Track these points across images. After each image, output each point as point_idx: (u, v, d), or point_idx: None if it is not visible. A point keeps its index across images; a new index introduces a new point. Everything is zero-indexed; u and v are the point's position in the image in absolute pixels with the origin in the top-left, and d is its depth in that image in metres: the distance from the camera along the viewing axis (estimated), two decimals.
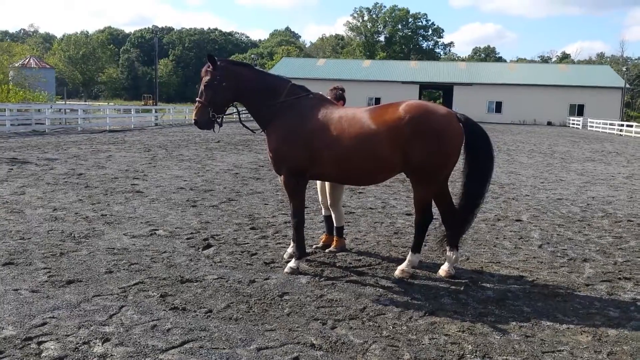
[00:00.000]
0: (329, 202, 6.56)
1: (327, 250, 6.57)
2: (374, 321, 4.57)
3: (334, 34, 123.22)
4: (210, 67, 5.71)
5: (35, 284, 5.12)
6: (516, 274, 5.98)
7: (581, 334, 4.48)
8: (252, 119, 6.08)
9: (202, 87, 5.75)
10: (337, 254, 6.46)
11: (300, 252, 5.85)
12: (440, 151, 5.37)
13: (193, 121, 5.90)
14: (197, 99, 5.80)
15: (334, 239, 6.65)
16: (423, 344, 4.18)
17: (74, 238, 6.75)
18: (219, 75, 5.69)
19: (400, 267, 5.78)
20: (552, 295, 5.34)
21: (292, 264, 5.77)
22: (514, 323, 4.64)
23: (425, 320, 4.64)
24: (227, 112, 6.08)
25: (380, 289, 5.34)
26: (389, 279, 5.65)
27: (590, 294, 5.44)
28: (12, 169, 12.53)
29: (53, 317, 4.38)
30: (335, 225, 6.62)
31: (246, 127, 6.39)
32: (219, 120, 5.83)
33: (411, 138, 5.29)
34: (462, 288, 5.46)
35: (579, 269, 6.27)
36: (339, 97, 6.57)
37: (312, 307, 4.81)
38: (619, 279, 5.96)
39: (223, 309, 4.70)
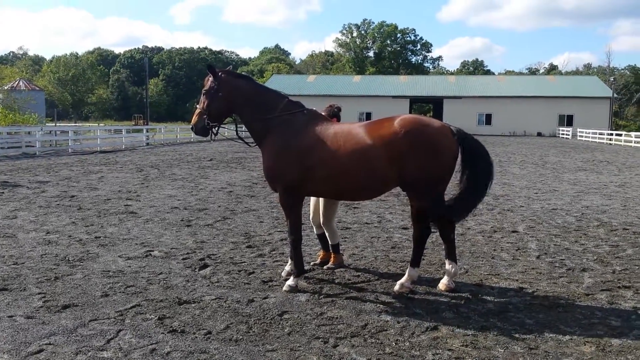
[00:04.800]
0: (321, 220, 6.50)
1: (325, 267, 6.52)
2: (376, 338, 4.52)
3: (323, 51, 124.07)
4: (211, 76, 5.83)
5: (30, 309, 5.03)
6: (516, 286, 5.95)
7: (584, 345, 4.44)
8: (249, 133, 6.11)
9: (202, 94, 5.92)
10: (335, 271, 6.41)
11: (299, 270, 5.79)
12: (436, 164, 5.36)
13: (190, 126, 6.12)
14: (196, 105, 5.98)
15: (332, 255, 6.60)
16: None
17: (68, 261, 6.66)
18: (216, 84, 5.79)
19: (399, 282, 5.74)
20: (553, 306, 5.31)
21: (290, 282, 5.72)
22: (517, 335, 4.60)
23: (428, 335, 4.60)
24: (225, 122, 6.24)
25: (381, 305, 5.29)
26: (388, 294, 5.60)
27: (591, 304, 5.42)
28: (3, 192, 12.41)
29: (50, 344, 4.30)
30: (330, 242, 6.58)
31: (242, 139, 6.36)
32: (214, 129, 5.93)
33: (407, 152, 5.29)
34: (462, 302, 5.42)
35: (578, 278, 6.25)
36: (334, 115, 6.56)
37: (313, 326, 4.75)
38: (619, 287, 5.94)
39: (222, 330, 4.64)
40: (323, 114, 6.39)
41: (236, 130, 6.40)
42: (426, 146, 5.31)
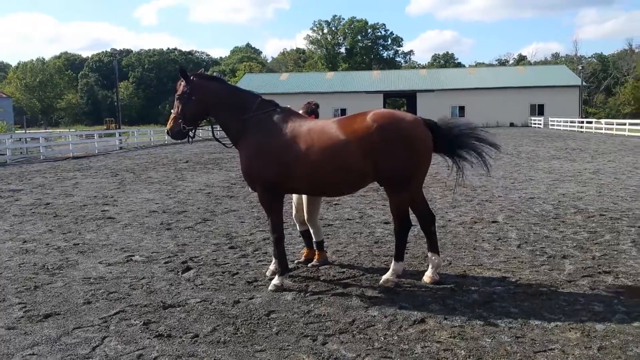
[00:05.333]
0: (305, 217, 6.51)
1: (309, 265, 6.50)
2: (365, 333, 4.52)
3: (295, 48, 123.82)
4: (183, 80, 5.82)
5: (11, 320, 4.92)
6: (499, 275, 6.01)
7: (570, 331, 4.50)
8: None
9: (175, 98, 5.89)
10: (320, 268, 6.40)
11: (283, 268, 5.77)
12: (410, 158, 5.37)
13: (166, 131, 6.10)
14: (172, 110, 5.94)
15: (316, 252, 6.59)
16: (416, 353, 4.14)
17: (47, 270, 6.53)
18: (189, 88, 5.80)
19: (384, 277, 5.75)
20: (537, 294, 5.38)
21: (276, 281, 5.69)
22: (503, 325, 4.64)
23: (416, 328, 4.61)
24: (201, 125, 6.24)
25: (368, 300, 5.29)
26: (374, 289, 5.61)
27: (574, 290, 5.50)
28: None
29: (33, 354, 4.20)
30: (314, 239, 6.57)
31: (219, 141, 6.35)
32: (190, 132, 5.95)
33: (380, 147, 5.31)
34: (448, 293, 5.46)
35: (559, 266, 6.34)
36: (311, 112, 6.58)
37: (301, 324, 4.73)
38: (599, 273, 6.04)
39: (210, 332, 4.59)
40: (301, 111, 6.46)
41: (212, 132, 6.38)
42: (399, 140, 5.33)
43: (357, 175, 5.50)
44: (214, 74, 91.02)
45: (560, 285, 5.66)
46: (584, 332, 4.48)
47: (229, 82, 6.35)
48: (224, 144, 6.26)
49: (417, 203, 5.83)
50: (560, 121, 50.95)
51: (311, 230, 6.54)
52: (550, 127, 53.51)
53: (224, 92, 5.93)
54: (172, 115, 5.94)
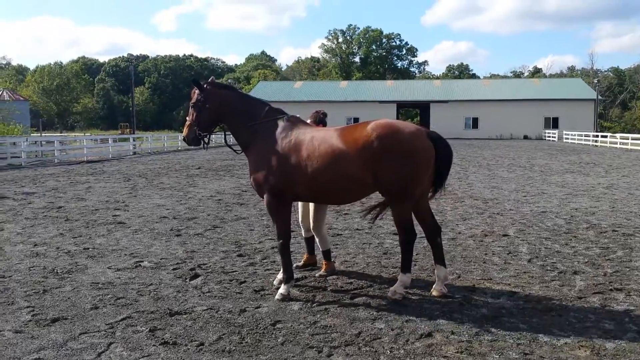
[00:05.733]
0: (311, 225, 6.56)
1: (317, 275, 6.49)
2: (371, 346, 4.48)
3: (309, 56, 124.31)
4: (197, 89, 6.03)
5: (19, 324, 4.94)
6: (508, 290, 5.94)
7: (579, 349, 4.44)
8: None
9: (190, 106, 6.09)
10: (327, 278, 6.37)
11: (289, 276, 5.77)
12: (409, 169, 5.35)
13: (182, 138, 6.32)
14: (187, 117, 6.14)
15: (323, 262, 6.58)
16: None
17: (56, 274, 6.57)
18: (202, 96, 6.00)
19: (392, 289, 5.71)
20: (547, 310, 5.31)
21: (282, 290, 5.69)
22: (511, 341, 4.58)
23: (422, 342, 4.57)
24: (215, 131, 6.50)
25: (375, 312, 5.25)
26: (382, 301, 5.57)
27: (584, 307, 5.42)
28: None
29: (39, 358, 4.22)
30: (321, 249, 6.57)
31: (230, 147, 6.49)
32: (205, 139, 6.17)
33: (379, 157, 5.32)
34: (456, 307, 5.40)
35: (570, 281, 6.27)
36: (320, 121, 6.66)
37: (307, 335, 4.71)
38: (611, 290, 5.96)
39: (215, 341, 4.58)
40: (309, 120, 6.57)
41: (224, 138, 6.46)
42: (398, 151, 5.32)
43: (356, 185, 5.54)
44: (228, 81, 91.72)
45: (571, 301, 5.59)
46: (593, 350, 4.41)
47: (241, 90, 6.40)
48: (235, 150, 6.35)
49: (422, 214, 5.81)
50: (574, 135, 50.57)
51: (317, 239, 6.54)
52: (564, 140, 53.12)
53: (234, 99, 6.08)
54: (187, 123, 6.13)
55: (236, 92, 6.26)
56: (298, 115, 6.15)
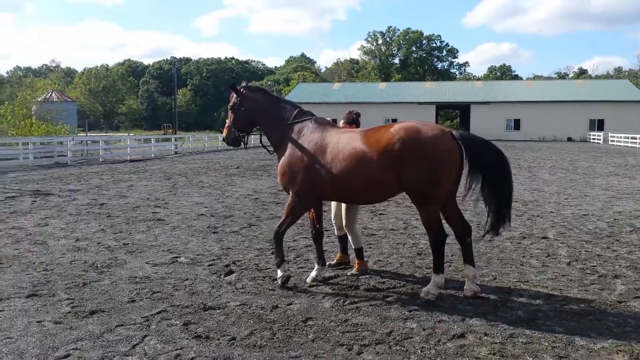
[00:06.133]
0: (343, 223, 6.64)
1: (349, 274, 6.49)
2: (401, 345, 4.45)
3: (348, 58, 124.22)
4: (234, 93, 6.44)
5: (59, 315, 5.11)
6: (546, 293, 5.81)
7: (617, 353, 4.31)
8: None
9: (228, 109, 6.51)
10: (360, 277, 6.37)
11: (280, 260, 6.05)
12: (432, 170, 5.31)
13: (222, 139, 6.77)
14: (227, 120, 6.56)
15: (355, 261, 6.58)
16: None
17: (96, 268, 6.76)
18: (239, 100, 6.37)
19: (425, 289, 5.66)
20: (585, 314, 5.18)
21: (279, 272, 6.03)
22: (546, 344, 4.48)
23: (454, 343, 4.51)
24: (254, 132, 6.79)
25: (406, 312, 5.22)
26: (414, 301, 5.53)
27: (624, 312, 5.26)
28: (35, 200, 12.68)
29: (76, 349, 4.35)
30: (353, 247, 6.58)
31: (265, 147, 6.76)
32: (243, 139, 6.57)
33: (401, 159, 5.33)
34: (490, 309, 5.32)
35: (610, 285, 6.09)
36: (352, 121, 6.70)
37: (337, 332, 4.71)
38: None
39: (247, 336, 4.63)
40: (342, 121, 6.80)
41: (260, 138, 6.84)
42: (420, 153, 5.30)
43: (380, 186, 5.58)
44: (268, 83, 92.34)
45: (610, 305, 5.43)
46: (632, 355, 4.28)
47: (274, 93, 6.76)
48: (268, 150, 6.57)
49: (449, 214, 5.76)
50: (620, 137, 48.99)
51: (349, 237, 6.56)
52: (610, 143, 51.55)
53: (267, 102, 6.41)
54: (226, 125, 6.54)
55: (268, 95, 6.56)
56: (328, 118, 6.35)
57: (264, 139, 6.67)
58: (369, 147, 5.51)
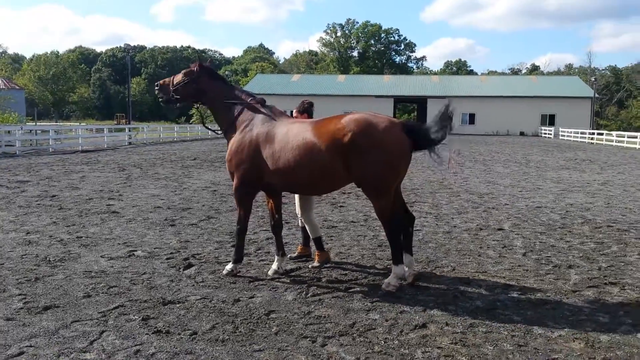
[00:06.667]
0: (298, 213, 6.63)
1: (310, 266, 6.46)
2: (365, 336, 4.46)
3: (307, 50, 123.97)
4: (197, 67, 6.36)
5: (10, 311, 4.89)
6: (503, 283, 5.93)
7: (574, 341, 4.43)
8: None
9: (181, 73, 6.47)
10: (322, 269, 6.35)
11: (238, 257, 6.13)
12: (382, 162, 5.34)
13: (155, 86, 6.64)
14: (172, 77, 6.54)
15: (316, 253, 6.56)
16: (417, 358, 4.08)
17: (49, 262, 6.52)
18: (197, 75, 6.34)
19: (386, 281, 5.69)
20: (541, 303, 5.30)
21: (228, 267, 6.12)
22: (506, 333, 4.57)
23: (417, 333, 4.55)
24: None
25: (369, 303, 5.23)
26: (376, 292, 5.55)
27: (578, 301, 5.41)
28: None
29: (30, 346, 4.17)
30: (311, 237, 6.55)
31: (209, 128, 7.15)
32: (175, 102, 6.55)
33: (351, 151, 5.34)
34: (450, 299, 5.39)
35: (564, 275, 6.26)
36: (304, 111, 6.73)
37: (301, 325, 4.68)
38: (605, 284, 5.95)
39: (208, 330, 4.55)
40: (295, 110, 6.87)
41: (202, 122, 7.13)
42: (370, 145, 5.31)
43: (330, 177, 5.59)
44: (226, 73, 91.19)
45: (565, 295, 5.58)
46: (588, 342, 4.40)
47: (230, 84, 6.69)
48: (215, 132, 6.80)
49: (395, 202, 5.78)
50: (571, 132, 50.62)
51: (307, 227, 6.54)
52: (560, 137, 53.19)
53: (223, 89, 6.35)
54: (168, 80, 6.52)
55: (226, 83, 6.53)
56: (274, 106, 6.31)
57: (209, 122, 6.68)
58: (318, 138, 5.48)
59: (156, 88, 6.62)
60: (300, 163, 5.53)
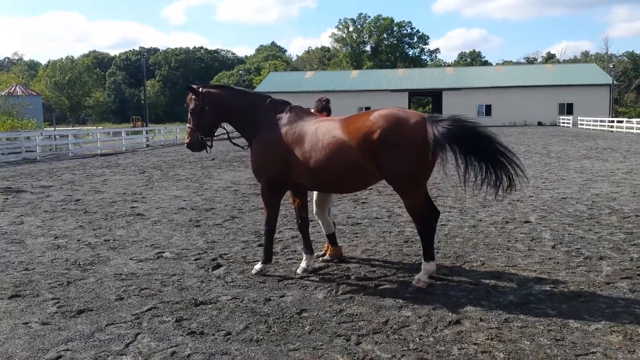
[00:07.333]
0: (314, 210, 6.60)
1: (321, 259, 6.54)
2: (399, 334, 4.44)
3: (320, 46, 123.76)
4: (193, 95, 6.11)
5: (45, 315, 4.95)
6: (535, 277, 5.86)
7: (611, 334, 4.36)
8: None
9: (188, 114, 6.17)
10: (350, 266, 6.34)
11: (267, 258, 6.12)
12: (412, 159, 5.29)
13: (186, 145, 6.33)
14: (188, 125, 6.22)
15: (329, 247, 6.63)
16: (453, 355, 4.05)
17: (79, 266, 6.58)
18: (200, 101, 6.09)
19: (417, 277, 5.66)
20: (575, 296, 5.23)
21: (257, 266, 6.12)
22: (542, 327, 4.52)
23: (451, 329, 4.51)
24: (217, 132, 6.45)
25: (400, 300, 5.20)
26: (406, 289, 5.52)
27: (613, 293, 5.33)
28: (7, 198, 12.31)
29: (68, 350, 4.22)
30: (325, 233, 6.61)
31: (235, 144, 6.72)
32: (208, 142, 6.27)
33: (380, 147, 5.30)
34: (483, 294, 5.34)
35: (596, 267, 6.17)
36: (323, 109, 6.72)
37: (333, 323, 4.67)
38: (638, 275, 5.86)
39: (242, 330, 4.55)
40: (313, 109, 6.71)
41: (228, 136, 6.59)
42: (399, 141, 5.27)
43: (359, 174, 5.55)
44: (239, 72, 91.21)
45: (599, 287, 5.50)
46: (626, 335, 4.34)
47: (236, 87, 6.52)
48: (241, 147, 6.57)
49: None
50: (589, 120, 49.94)
51: (320, 223, 6.57)
52: (579, 126, 52.52)
53: (233, 97, 6.20)
54: (188, 130, 6.23)
55: (233, 90, 6.36)
56: (299, 105, 6.21)
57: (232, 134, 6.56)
58: (348, 135, 5.45)
59: (188, 147, 6.26)
60: (331, 161, 5.50)
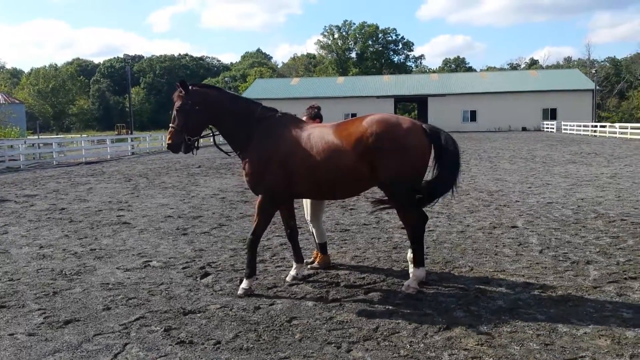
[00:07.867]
0: (308, 217, 6.61)
1: (309, 266, 6.51)
2: (390, 340, 4.43)
3: (305, 53, 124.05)
4: (182, 92, 5.67)
5: (31, 326, 4.88)
6: (523, 281, 5.90)
7: (600, 338, 4.39)
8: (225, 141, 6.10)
9: (174, 112, 5.69)
10: (339, 273, 6.33)
11: (251, 271, 5.73)
12: (404, 164, 5.34)
13: (167, 145, 5.82)
14: (171, 124, 5.73)
15: (319, 255, 6.63)
16: None
17: (65, 275, 6.50)
18: (190, 99, 5.65)
19: (406, 283, 5.67)
20: (563, 301, 5.27)
21: (244, 285, 5.68)
22: (531, 332, 4.54)
23: (441, 335, 4.52)
24: (203, 135, 6.02)
25: (390, 307, 5.20)
26: (396, 295, 5.52)
27: (600, 297, 5.38)
28: None
29: None
30: (317, 241, 6.60)
31: (221, 149, 6.28)
32: (194, 144, 5.82)
33: (374, 152, 5.32)
34: (472, 299, 5.36)
35: (583, 271, 6.22)
36: (315, 116, 6.70)
37: (324, 331, 4.65)
38: (625, 279, 5.92)
39: (232, 339, 4.52)
40: (304, 116, 6.60)
41: (213, 139, 6.22)
42: (393, 146, 5.30)
43: (353, 179, 5.53)
44: (225, 79, 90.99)
45: (587, 291, 5.54)
46: (614, 339, 4.37)
47: (229, 91, 6.29)
48: (226, 153, 6.27)
49: None
50: (573, 125, 50.53)
51: (313, 231, 6.56)
52: (563, 131, 53.09)
53: (227, 100, 5.89)
54: (170, 130, 5.72)
55: (226, 93, 6.07)
56: (294, 114, 6.12)
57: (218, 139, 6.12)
58: (341, 141, 5.44)
59: (169, 148, 5.77)
60: (326, 167, 5.45)
